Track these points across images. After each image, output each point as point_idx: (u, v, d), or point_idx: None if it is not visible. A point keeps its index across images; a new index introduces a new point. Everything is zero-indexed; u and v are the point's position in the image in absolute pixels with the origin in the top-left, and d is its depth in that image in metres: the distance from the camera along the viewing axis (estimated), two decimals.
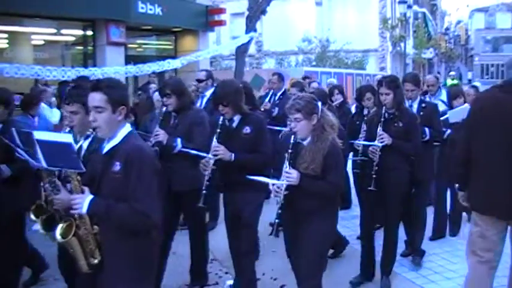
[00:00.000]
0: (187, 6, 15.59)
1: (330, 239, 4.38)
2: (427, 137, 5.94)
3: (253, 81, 17.51)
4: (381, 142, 5.26)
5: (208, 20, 16.23)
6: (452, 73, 34.60)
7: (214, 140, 4.61)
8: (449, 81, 28.05)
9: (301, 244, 4.14)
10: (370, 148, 5.35)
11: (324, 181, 4.01)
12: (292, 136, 4.07)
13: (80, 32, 13.93)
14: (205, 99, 7.45)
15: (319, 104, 4.13)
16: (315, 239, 4.07)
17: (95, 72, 10.92)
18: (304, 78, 12.58)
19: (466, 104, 6.85)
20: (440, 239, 6.94)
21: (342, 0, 32.68)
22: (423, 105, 6.12)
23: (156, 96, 8.14)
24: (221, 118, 4.70)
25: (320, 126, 4.06)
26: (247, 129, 4.68)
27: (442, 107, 7.96)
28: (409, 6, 32.90)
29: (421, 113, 5.96)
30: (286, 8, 31.10)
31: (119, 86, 3.34)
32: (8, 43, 12.98)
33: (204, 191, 4.69)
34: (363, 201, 5.89)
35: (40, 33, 13.47)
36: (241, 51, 16.60)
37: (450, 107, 7.01)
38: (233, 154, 4.61)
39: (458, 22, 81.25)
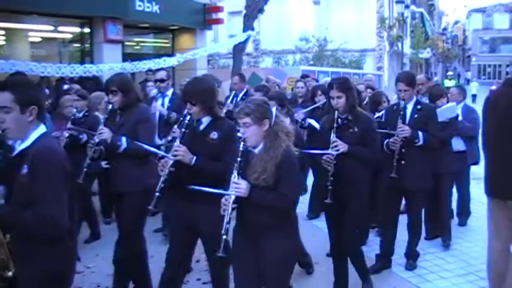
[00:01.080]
0: (184, 4, 15.57)
1: (291, 257, 3.89)
2: (420, 142, 5.53)
3: (250, 80, 17.52)
4: (336, 150, 4.81)
5: (206, 18, 16.21)
6: (450, 73, 34.78)
7: (177, 140, 4.24)
8: (447, 82, 28.23)
9: (260, 265, 3.73)
10: (324, 157, 4.87)
11: (277, 193, 3.59)
12: (242, 143, 3.68)
13: (77, 30, 13.90)
14: (167, 99, 7.41)
15: (273, 108, 3.76)
16: (274, 259, 3.66)
17: (89, 69, 10.90)
18: (304, 76, 12.52)
19: (454, 103, 6.81)
20: (436, 238, 6.87)
21: None
22: (418, 107, 5.70)
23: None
24: (188, 117, 4.31)
25: (273, 132, 3.67)
26: (214, 134, 4.26)
27: None
28: (407, 6, 33.01)
29: (416, 116, 5.63)
30: (284, 6, 31.12)
31: (27, 85, 3.18)
32: (5, 40, 12.95)
33: (157, 194, 4.20)
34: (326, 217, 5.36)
35: (37, 30, 13.44)
36: (238, 49, 16.61)
37: None
38: (194, 158, 4.18)
39: (456, 22, 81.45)
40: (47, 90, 9.60)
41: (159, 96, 7.50)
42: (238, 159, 3.65)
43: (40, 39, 13.75)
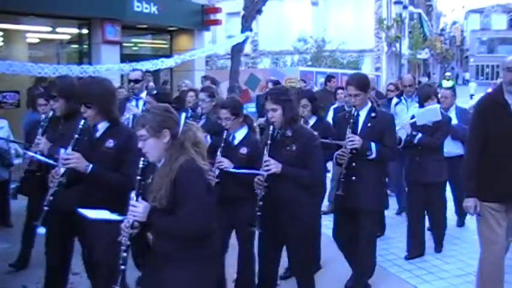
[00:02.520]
0: (183, 5, 15.57)
1: None
2: (372, 155, 4.78)
3: (248, 81, 17.53)
4: (266, 170, 4.18)
5: (204, 19, 16.22)
6: (448, 74, 34.80)
7: (69, 147, 3.77)
8: (444, 82, 28.20)
9: None
10: (256, 179, 4.26)
11: (174, 217, 3.03)
12: (142, 158, 3.18)
13: (75, 31, 13.89)
14: (141, 102, 6.79)
15: (182, 115, 3.27)
16: None
17: (86, 70, 10.90)
18: (328, 78, 12.26)
19: (436, 105, 6.22)
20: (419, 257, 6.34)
21: (338, 0, 32.70)
22: (373, 114, 4.91)
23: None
24: (82, 122, 3.87)
25: (178, 144, 3.14)
26: (110, 143, 3.85)
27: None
28: (405, 7, 32.96)
29: (369, 124, 4.88)
30: (282, 7, 31.14)
31: None
32: (2, 41, 12.94)
33: (45, 208, 3.74)
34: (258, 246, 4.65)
35: (35, 32, 13.44)
36: (236, 50, 16.60)
37: None
38: (90, 165, 3.75)
39: (454, 23, 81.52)
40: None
41: (133, 98, 6.94)
42: (138, 177, 3.14)
43: (38, 40, 13.75)
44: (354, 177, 4.81)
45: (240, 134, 4.78)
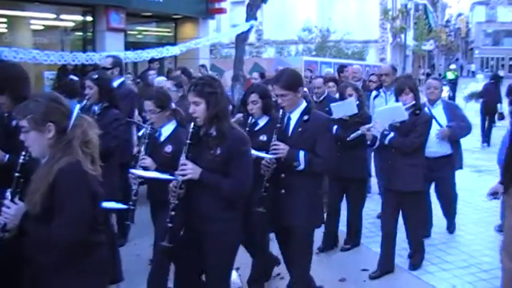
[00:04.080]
0: None
1: None
2: (301, 166, 4.03)
3: (252, 70, 17.47)
4: (182, 175, 3.53)
5: (209, 7, 16.20)
6: (452, 66, 34.71)
7: None
8: (448, 74, 28.18)
9: None
10: (171, 185, 3.61)
11: (47, 226, 2.60)
12: (23, 153, 2.81)
13: (79, 18, 13.87)
14: None
15: (76, 107, 2.86)
16: None
17: (92, 57, 10.89)
18: (340, 69, 11.42)
19: (399, 103, 5.28)
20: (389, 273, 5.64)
21: None
22: (305, 117, 4.12)
23: (157, 82, 8.01)
24: None
25: (65, 141, 2.70)
26: None
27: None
28: None
29: (300, 129, 4.11)
30: None
31: None
32: (7, 27, 12.93)
33: None
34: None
35: (39, 18, 13.42)
36: (241, 39, 16.54)
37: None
38: (7, 155, 3.43)
39: (459, 15, 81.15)
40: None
41: None
42: (16, 174, 2.76)
43: (42, 27, 13.73)
44: (283, 191, 4.14)
45: (167, 130, 4.30)
